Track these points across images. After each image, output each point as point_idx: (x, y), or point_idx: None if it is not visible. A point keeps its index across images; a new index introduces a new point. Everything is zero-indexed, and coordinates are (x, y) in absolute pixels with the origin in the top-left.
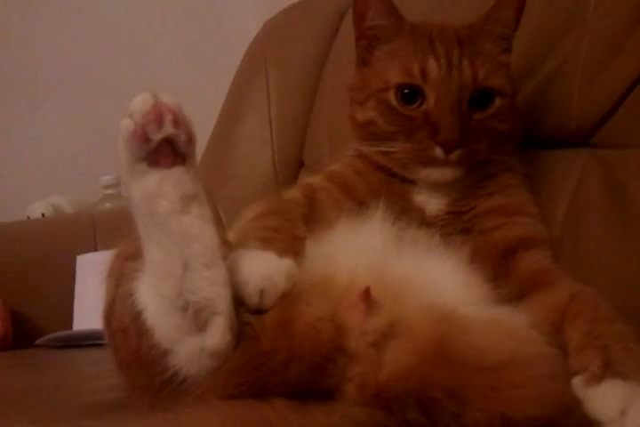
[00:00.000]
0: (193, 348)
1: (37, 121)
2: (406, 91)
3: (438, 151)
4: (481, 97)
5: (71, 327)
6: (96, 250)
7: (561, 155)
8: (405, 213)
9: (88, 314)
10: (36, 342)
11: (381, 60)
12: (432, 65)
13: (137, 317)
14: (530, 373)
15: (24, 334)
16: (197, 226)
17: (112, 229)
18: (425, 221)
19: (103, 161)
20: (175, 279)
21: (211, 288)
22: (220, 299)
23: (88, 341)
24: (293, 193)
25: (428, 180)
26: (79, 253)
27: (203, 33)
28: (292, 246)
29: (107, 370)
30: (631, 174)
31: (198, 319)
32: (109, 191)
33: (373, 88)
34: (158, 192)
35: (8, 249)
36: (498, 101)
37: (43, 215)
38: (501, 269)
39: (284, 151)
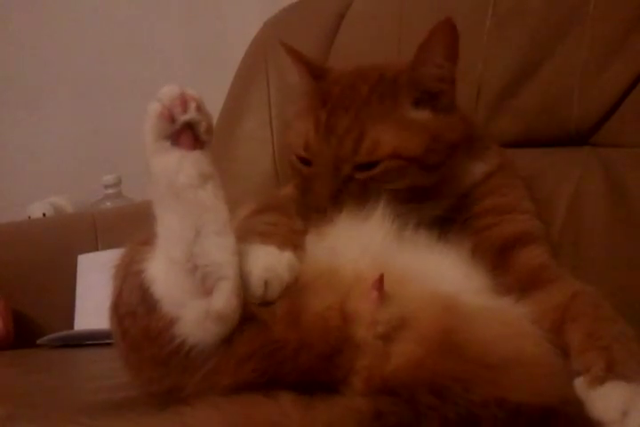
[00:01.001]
0: (199, 311)
1: (38, 121)
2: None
3: (314, 214)
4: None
5: (72, 327)
6: (97, 249)
7: (561, 154)
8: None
9: (89, 314)
10: (38, 342)
11: (294, 119)
12: (312, 138)
13: (145, 293)
14: (531, 370)
15: (25, 334)
16: (211, 200)
17: (113, 228)
18: (423, 221)
19: (104, 160)
20: (186, 244)
21: (220, 253)
22: (227, 264)
23: (89, 340)
24: (288, 190)
25: None
26: (80, 253)
27: (203, 33)
28: (292, 240)
29: (108, 369)
30: (631, 173)
31: (205, 283)
32: (110, 191)
33: (290, 147)
34: (178, 167)
35: (9, 249)
36: (383, 165)
37: (44, 215)
38: (500, 265)
39: (284, 150)
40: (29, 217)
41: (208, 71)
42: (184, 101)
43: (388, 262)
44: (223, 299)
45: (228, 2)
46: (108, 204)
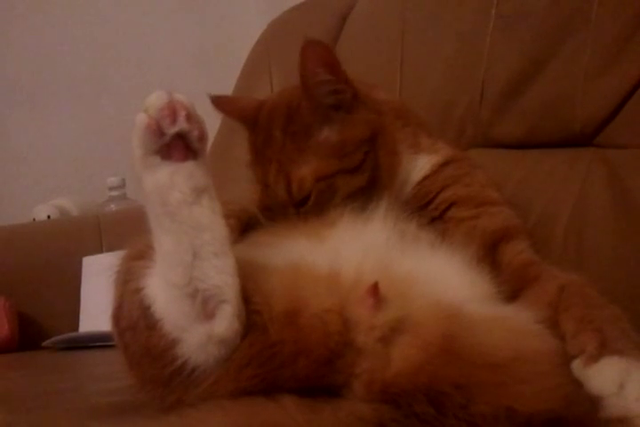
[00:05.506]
0: (201, 335)
1: (42, 123)
2: None
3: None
4: None
5: (77, 329)
6: (102, 251)
7: (565, 155)
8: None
9: (94, 316)
10: (43, 344)
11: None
12: (259, 193)
13: (146, 311)
14: (534, 368)
15: (30, 336)
16: (208, 217)
17: (118, 230)
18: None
19: (108, 163)
20: (185, 267)
21: (219, 276)
22: (228, 287)
23: (94, 342)
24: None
25: None
26: (85, 255)
27: (207, 34)
28: (230, 210)
29: (113, 372)
30: (635, 174)
31: (207, 307)
32: (115, 193)
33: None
34: (170, 184)
35: (14, 251)
36: (315, 191)
37: (48, 217)
38: (488, 262)
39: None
40: (34, 219)
41: (211, 72)
42: (173, 111)
43: (390, 267)
44: (225, 323)
45: (232, 3)
46: (113, 206)
